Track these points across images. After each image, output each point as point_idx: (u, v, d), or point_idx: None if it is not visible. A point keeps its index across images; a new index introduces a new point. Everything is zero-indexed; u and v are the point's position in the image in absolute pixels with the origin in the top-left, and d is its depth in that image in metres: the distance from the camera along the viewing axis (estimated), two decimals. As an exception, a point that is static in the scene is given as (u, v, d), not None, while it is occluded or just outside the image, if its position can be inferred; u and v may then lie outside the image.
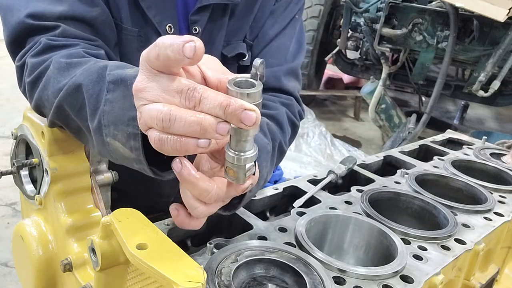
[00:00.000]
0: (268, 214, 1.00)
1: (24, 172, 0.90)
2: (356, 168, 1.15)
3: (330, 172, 1.08)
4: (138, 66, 0.91)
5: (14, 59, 0.78)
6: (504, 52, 3.12)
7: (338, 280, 0.68)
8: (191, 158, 0.59)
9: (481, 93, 3.33)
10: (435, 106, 3.51)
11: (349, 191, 1.00)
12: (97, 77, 0.61)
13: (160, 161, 0.59)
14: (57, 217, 0.79)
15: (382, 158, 1.28)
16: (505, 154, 1.37)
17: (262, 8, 0.98)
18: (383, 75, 3.83)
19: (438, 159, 1.28)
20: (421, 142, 1.47)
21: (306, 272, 0.67)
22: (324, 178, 1.05)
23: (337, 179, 1.08)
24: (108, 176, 0.83)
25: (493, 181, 1.16)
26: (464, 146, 1.44)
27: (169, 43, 0.44)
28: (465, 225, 0.91)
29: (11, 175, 0.89)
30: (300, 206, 0.91)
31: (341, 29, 4.28)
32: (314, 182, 1.03)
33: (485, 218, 0.95)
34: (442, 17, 3.33)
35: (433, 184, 1.12)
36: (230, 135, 0.51)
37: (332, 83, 5.66)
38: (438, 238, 0.83)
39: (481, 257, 0.87)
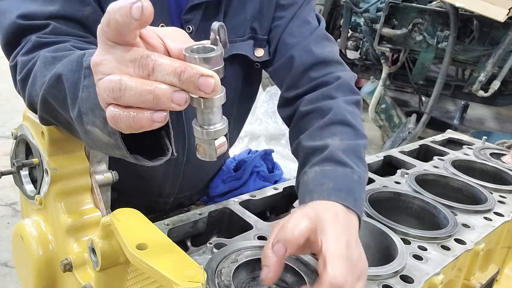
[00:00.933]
0: (268, 214, 1.00)
1: (24, 172, 0.90)
2: (356, 168, 1.15)
3: (330, 172, 1.07)
4: None
5: (9, 60, 0.78)
6: (504, 52, 3.12)
7: (338, 280, 0.68)
8: None
9: (481, 93, 3.33)
10: (435, 106, 3.50)
11: (349, 191, 1.00)
12: (76, 65, 0.59)
13: (147, 149, 0.58)
14: (57, 217, 0.79)
15: (382, 158, 1.28)
16: (505, 154, 1.37)
17: (266, 1, 0.97)
18: (383, 75, 3.82)
19: (438, 159, 1.28)
20: (421, 142, 1.47)
21: (306, 272, 0.67)
22: (324, 178, 1.05)
23: (337, 179, 1.08)
24: (108, 176, 0.83)
25: (493, 181, 1.16)
26: (464, 146, 1.44)
27: (118, 7, 0.42)
28: (465, 225, 0.91)
29: (11, 175, 0.89)
30: (300, 206, 0.91)
31: (341, 29, 4.27)
32: (314, 182, 1.03)
33: (485, 218, 0.95)
34: (442, 17, 3.33)
35: (433, 184, 1.12)
36: (196, 108, 0.48)
37: (332, 83, 5.64)
38: (438, 238, 0.83)
39: (481, 257, 0.87)
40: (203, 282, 0.46)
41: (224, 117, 0.49)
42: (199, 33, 0.92)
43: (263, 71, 1.06)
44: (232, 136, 1.18)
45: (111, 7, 0.43)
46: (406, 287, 0.69)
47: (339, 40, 4.28)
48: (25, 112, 0.84)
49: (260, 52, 0.99)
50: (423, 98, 4.80)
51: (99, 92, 0.46)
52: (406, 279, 0.71)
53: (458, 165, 1.24)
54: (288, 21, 0.98)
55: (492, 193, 1.08)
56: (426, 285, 0.72)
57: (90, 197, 0.82)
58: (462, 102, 5.05)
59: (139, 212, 0.58)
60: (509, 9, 2.76)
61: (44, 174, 0.80)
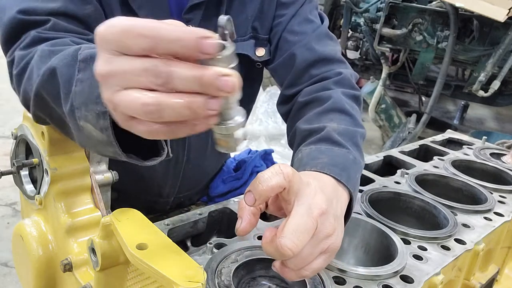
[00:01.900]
0: (268, 214, 0.99)
1: (24, 172, 0.90)
2: (356, 168, 1.15)
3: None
4: None
5: (6, 56, 0.77)
6: (504, 52, 3.12)
7: (338, 280, 0.68)
8: None
9: (481, 93, 3.33)
10: (435, 106, 3.51)
11: (349, 191, 1.00)
12: (71, 59, 0.58)
13: (138, 145, 0.56)
14: (57, 217, 0.79)
15: (382, 158, 1.28)
16: (505, 154, 1.37)
17: (267, 0, 0.97)
18: (383, 75, 3.82)
19: (438, 159, 1.28)
20: (421, 142, 1.47)
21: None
22: (324, 178, 1.05)
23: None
24: (108, 176, 0.83)
25: (493, 181, 1.16)
26: (464, 146, 1.44)
27: (175, 37, 0.40)
28: (465, 225, 0.91)
29: (11, 175, 0.89)
30: (300, 206, 0.91)
31: (341, 29, 4.27)
32: (314, 182, 1.03)
33: (485, 218, 0.95)
34: (442, 17, 3.33)
35: (433, 184, 1.12)
36: None
37: (332, 83, 5.65)
38: (438, 238, 0.83)
39: (481, 257, 0.87)
40: (203, 282, 0.46)
41: (240, 108, 0.48)
42: None
43: (264, 70, 1.06)
44: None
45: (159, 31, 0.40)
46: (406, 287, 0.69)
47: (339, 40, 4.29)
48: (25, 112, 0.84)
49: (261, 52, 0.99)
50: (423, 98, 4.80)
51: (119, 108, 0.44)
52: (406, 279, 0.71)
53: (458, 165, 1.24)
54: (289, 19, 0.97)
55: (492, 193, 1.08)
56: (426, 285, 0.72)
57: (90, 197, 0.82)
58: (462, 102, 5.06)
59: (139, 212, 0.58)
60: (509, 9, 2.76)
61: (44, 174, 0.80)
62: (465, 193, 1.11)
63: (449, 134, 1.59)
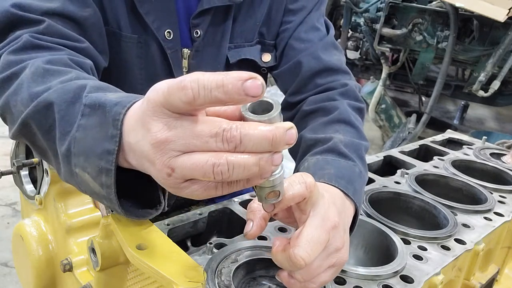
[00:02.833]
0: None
1: (24, 172, 0.90)
2: (356, 168, 1.15)
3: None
4: (137, 73, 0.90)
5: None
6: (504, 52, 3.12)
7: (338, 280, 0.68)
8: None
9: (481, 93, 3.33)
10: (435, 106, 3.51)
11: (349, 191, 1.00)
12: (73, 97, 0.54)
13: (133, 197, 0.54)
14: (57, 217, 0.79)
15: (382, 158, 1.28)
16: (505, 154, 1.37)
17: (275, 6, 0.96)
18: (383, 75, 3.83)
19: (438, 159, 1.28)
20: (421, 142, 1.47)
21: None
22: (324, 178, 1.05)
23: (337, 179, 1.08)
24: (108, 176, 0.83)
25: (493, 181, 1.16)
26: (464, 146, 1.44)
27: (216, 85, 0.38)
28: (465, 225, 0.91)
29: (11, 175, 0.89)
30: (300, 206, 0.91)
31: (341, 29, 4.27)
32: (314, 182, 1.03)
33: (485, 218, 0.95)
34: (442, 17, 3.33)
35: (433, 184, 1.12)
36: None
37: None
38: (438, 238, 0.83)
39: (481, 257, 0.87)
40: (203, 282, 0.46)
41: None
42: (208, 37, 0.91)
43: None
44: None
45: (196, 83, 0.38)
46: (406, 287, 0.69)
47: (339, 40, 4.29)
48: (25, 112, 0.84)
49: (267, 57, 0.99)
50: (423, 98, 4.80)
51: (181, 172, 0.42)
52: (406, 279, 0.71)
53: (458, 165, 1.24)
54: (297, 25, 0.97)
55: (492, 193, 1.08)
56: (426, 285, 0.72)
57: (90, 197, 0.82)
58: (462, 102, 5.06)
59: (139, 212, 0.58)
60: (509, 9, 2.76)
61: (44, 174, 0.80)
62: (465, 193, 1.11)
63: (449, 134, 1.59)
